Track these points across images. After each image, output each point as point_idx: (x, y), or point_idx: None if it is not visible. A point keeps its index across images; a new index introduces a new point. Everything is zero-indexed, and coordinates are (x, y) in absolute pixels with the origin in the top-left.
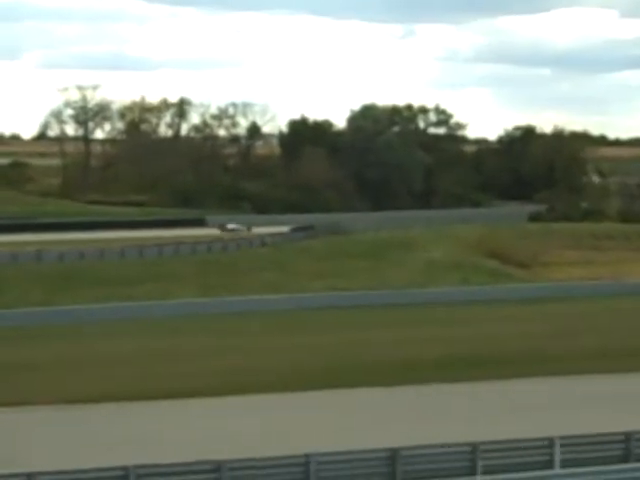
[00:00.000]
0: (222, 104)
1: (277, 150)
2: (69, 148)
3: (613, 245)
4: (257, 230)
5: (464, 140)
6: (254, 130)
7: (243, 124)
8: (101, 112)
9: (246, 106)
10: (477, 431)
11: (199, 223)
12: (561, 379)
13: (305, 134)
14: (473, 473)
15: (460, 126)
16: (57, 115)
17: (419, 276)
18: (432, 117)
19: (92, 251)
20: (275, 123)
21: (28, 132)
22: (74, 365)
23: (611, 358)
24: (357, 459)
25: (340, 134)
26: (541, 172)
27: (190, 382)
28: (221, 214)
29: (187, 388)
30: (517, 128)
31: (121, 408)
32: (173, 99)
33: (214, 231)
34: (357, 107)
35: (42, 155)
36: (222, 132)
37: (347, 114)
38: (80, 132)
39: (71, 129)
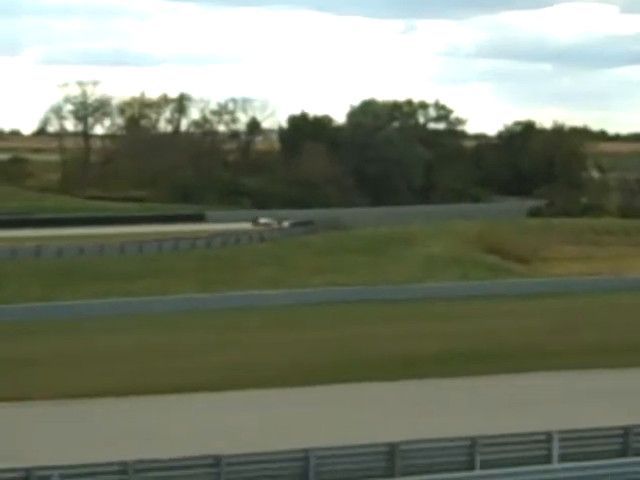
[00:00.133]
0: (222, 99)
1: (277, 145)
2: (69, 144)
3: (613, 240)
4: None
5: (464, 135)
6: (254, 125)
7: (243, 119)
8: (101, 108)
9: (246, 101)
10: (477, 425)
11: (199, 218)
12: (561, 374)
13: (305, 129)
14: (472, 467)
15: (460, 121)
16: (57, 111)
17: (419, 271)
18: (432, 112)
19: (91, 246)
20: (275, 118)
21: (28, 128)
22: (73, 360)
23: (611, 353)
24: (356, 454)
25: (340, 129)
26: (541, 167)
27: (190, 377)
28: (221, 209)
29: (187, 383)
30: (517, 123)
31: (121, 403)
32: (173, 95)
33: (246, 225)
34: (357, 102)
35: (42, 151)
36: (222, 127)
37: (347, 109)
38: (80, 128)
39: (71, 125)
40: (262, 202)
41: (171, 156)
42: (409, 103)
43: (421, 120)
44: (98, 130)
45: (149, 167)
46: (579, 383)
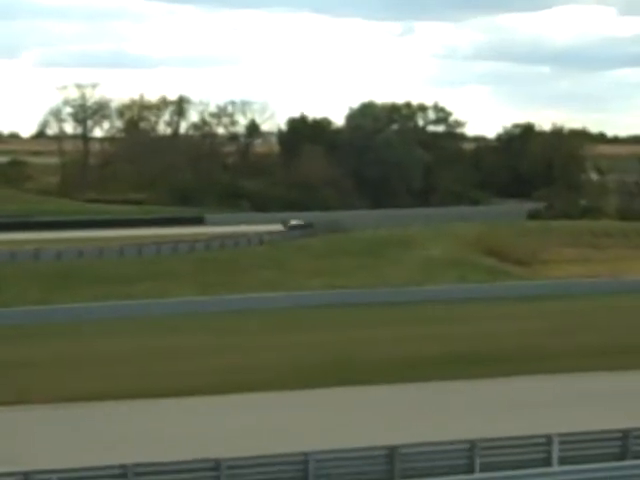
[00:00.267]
0: (221, 102)
1: (276, 148)
2: (68, 146)
3: (611, 243)
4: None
5: (463, 138)
6: (253, 128)
7: (242, 122)
8: (100, 110)
9: (245, 104)
10: (476, 428)
11: (198, 221)
12: (560, 377)
13: (304, 132)
14: (471, 470)
15: (459, 124)
16: (56, 113)
17: (418, 274)
18: (431, 115)
19: (91, 249)
20: (274, 121)
21: (27, 130)
22: (73, 363)
23: (610, 356)
24: (355, 457)
25: (339, 132)
26: (540, 170)
27: (189, 380)
28: (220, 212)
29: (186, 386)
30: (516, 126)
31: (120, 406)
32: (172, 97)
33: (277, 227)
34: (356, 105)
35: (41, 153)
36: (221, 130)
37: (346, 112)
38: (79, 130)
39: (70, 127)
40: (261, 205)
41: (170, 159)
42: (408, 105)
43: (420, 123)
44: (97, 133)
45: (148, 170)
46: (578, 386)
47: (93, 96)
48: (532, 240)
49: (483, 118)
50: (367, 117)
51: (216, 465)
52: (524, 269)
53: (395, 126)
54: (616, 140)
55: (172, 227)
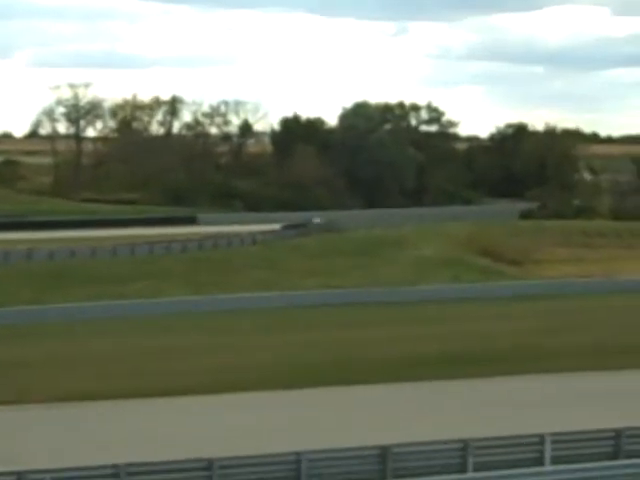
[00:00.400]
0: (214, 102)
1: (269, 148)
2: (61, 146)
3: (604, 242)
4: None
5: (456, 138)
6: (246, 128)
7: (235, 122)
8: (93, 110)
9: (238, 104)
10: (470, 428)
11: (191, 221)
12: (554, 376)
13: (297, 132)
14: (464, 470)
15: (452, 124)
16: (49, 113)
17: (411, 274)
18: (424, 115)
19: (83, 249)
20: (267, 121)
21: (20, 130)
22: (66, 363)
23: (604, 355)
24: (348, 457)
25: (332, 132)
26: (533, 170)
27: (183, 380)
28: (213, 212)
29: (180, 386)
30: (509, 126)
31: (114, 406)
32: (165, 97)
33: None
34: (349, 105)
35: (34, 153)
36: (214, 130)
37: (339, 112)
38: (72, 130)
39: (63, 127)
40: (254, 205)
41: (163, 159)
42: (401, 105)
43: (413, 122)
44: (90, 133)
45: (141, 170)
46: (572, 385)
47: (86, 96)
48: (525, 240)
49: (476, 118)
50: (360, 117)
51: (208, 465)
52: (517, 269)
53: (388, 126)
54: (609, 140)
55: (165, 227)
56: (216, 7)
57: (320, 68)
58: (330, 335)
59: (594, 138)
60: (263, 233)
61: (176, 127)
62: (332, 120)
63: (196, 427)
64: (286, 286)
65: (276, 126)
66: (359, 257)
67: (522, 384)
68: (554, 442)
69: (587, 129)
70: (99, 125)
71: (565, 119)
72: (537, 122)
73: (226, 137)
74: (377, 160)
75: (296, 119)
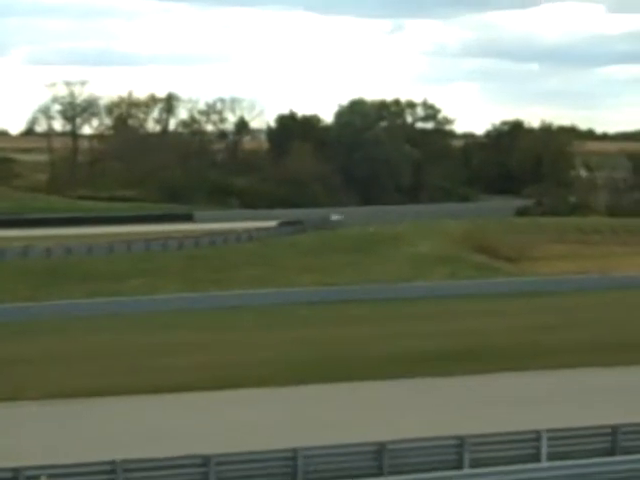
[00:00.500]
0: (210, 99)
1: (265, 145)
2: (57, 144)
3: (600, 239)
4: None
5: (452, 135)
6: (242, 125)
7: (231, 119)
8: (89, 108)
9: (234, 101)
10: (467, 424)
11: (187, 218)
12: (552, 372)
13: (293, 129)
14: (460, 466)
15: (448, 121)
16: (45, 111)
17: (407, 271)
18: (420, 112)
19: (79, 246)
20: (263, 118)
21: (16, 128)
22: (62, 360)
23: (601, 351)
24: (344, 453)
25: (328, 129)
26: (529, 166)
27: (180, 377)
28: (209, 209)
29: (177, 383)
30: (504, 123)
31: (111, 403)
32: (161, 94)
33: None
34: (345, 102)
35: (30, 151)
36: (210, 127)
37: (335, 109)
38: (68, 128)
39: (59, 125)
40: (250, 202)
41: (159, 156)
42: (397, 103)
43: (409, 119)
44: (86, 130)
45: (137, 167)
46: (570, 381)
47: (82, 93)
48: (521, 237)
49: (472, 115)
50: (356, 114)
51: (205, 461)
52: (513, 265)
53: (384, 123)
54: (605, 137)
55: (161, 224)
56: (213, 4)
57: (316, 65)
58: (327, 332)
59: (590, 135)
60: (259, 230)
61: (172, 124)
62: (328, 117)
63: (192, 423)
64: (282, 283)
65: (272, 123)
66: (355, 254)
67: (520, 380)
68: (550, 438)
69: (583, 126)
70: (95, 122)
71: (561, 116)
72: (533, 119)
73: (222, 134)
74: (373, 157)
75: (292, 116)
